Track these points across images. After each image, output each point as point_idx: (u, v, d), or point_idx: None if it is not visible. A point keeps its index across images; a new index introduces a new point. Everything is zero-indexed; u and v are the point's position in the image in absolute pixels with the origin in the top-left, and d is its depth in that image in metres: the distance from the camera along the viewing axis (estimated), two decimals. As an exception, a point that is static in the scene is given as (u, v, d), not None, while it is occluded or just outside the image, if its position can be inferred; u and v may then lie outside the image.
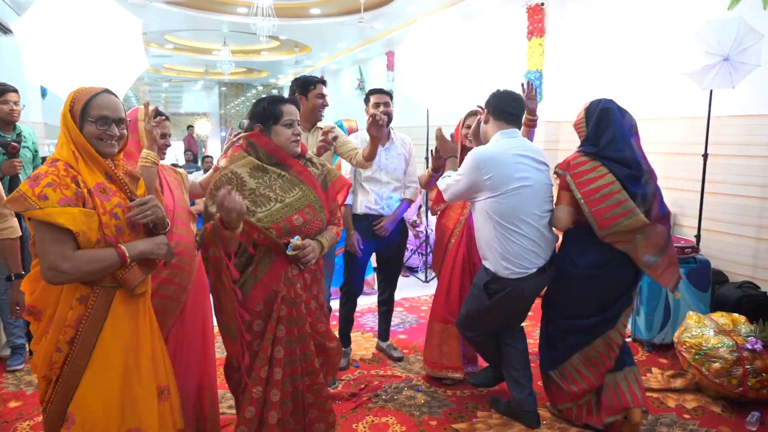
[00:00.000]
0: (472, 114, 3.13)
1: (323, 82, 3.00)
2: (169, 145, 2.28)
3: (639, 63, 4.74)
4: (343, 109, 13.20)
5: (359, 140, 3.25)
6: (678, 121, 4.40)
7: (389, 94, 3.23)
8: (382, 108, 3.12)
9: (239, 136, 2.36)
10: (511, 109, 2.50)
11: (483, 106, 2.63)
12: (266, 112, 1.95)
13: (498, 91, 2.55)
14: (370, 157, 2.87)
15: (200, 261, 2.26)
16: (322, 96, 2.96)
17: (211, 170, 2.38)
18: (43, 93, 7.19)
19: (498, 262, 2.41)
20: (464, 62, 4.68)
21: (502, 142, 2.45)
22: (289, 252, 1.89)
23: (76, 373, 1.51)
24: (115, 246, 1.53)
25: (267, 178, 1.93)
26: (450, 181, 2.53)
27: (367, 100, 3.25)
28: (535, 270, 2.39)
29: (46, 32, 3.09)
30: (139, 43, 3.41)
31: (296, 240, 1.90)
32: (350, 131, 5.52)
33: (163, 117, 2.26)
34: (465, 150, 3.11)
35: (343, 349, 3.28)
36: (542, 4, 5.61)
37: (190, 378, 2.17)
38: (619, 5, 4.96)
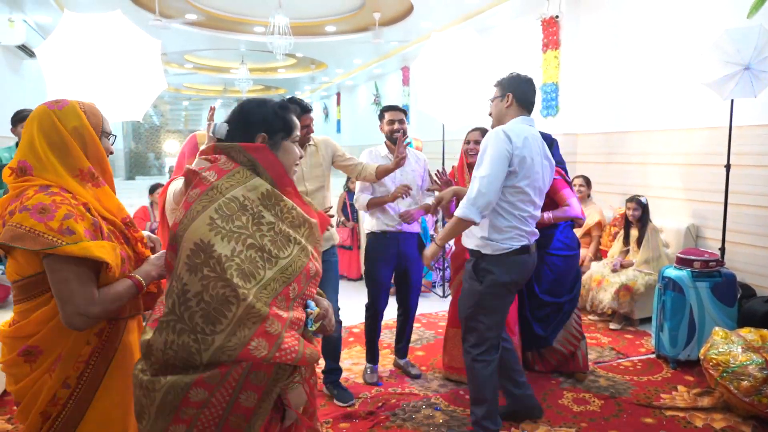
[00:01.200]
0: (474, 129, 3.21)
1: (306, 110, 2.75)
2: None
3: (657, 73, 4.69)
4: (360, 124, 13.29)
5: (374, 156, 3.30)
6: (699, 132, 4.32)
7: (404, 111, 3.25)
8: (396, 125, 3.16)
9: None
10: (532, 99, 2.47)
11: (499, 84, 2.47)
12: (277, 120, 1.42)
13: (522, 75, 2.47)
14: (383, 174, 2.89)
15: None
16: (306, 126, 2.73)
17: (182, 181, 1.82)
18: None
19: (484, 236, 2.37)
20: (479, 76, 4.66)
21: (524, 126, 2.39)
22: (311, 328, 1.34)
23: (81, 408, 1.42)
24: (129, 276, 1.45)
25: (279, 211, 1.34)
26: (475, 187, 2.26)
27: (381, 117, 3.27)
28: (518, 246, 2.37)
29: (67, 55, 3.17)
30: (158, 64, 3.48)
31: (313, 308, 1.36)
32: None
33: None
34: (469, 166, 3.13)
35: (369, 365, 3.35)
36: (557, 16, 5.60)
37: None
38: (635, 16, 4.92)
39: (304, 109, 2.69)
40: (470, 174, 3.05)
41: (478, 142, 3.12)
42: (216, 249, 1.20)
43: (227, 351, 1.16)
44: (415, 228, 3.26)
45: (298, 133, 1.49)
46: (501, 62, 6.55)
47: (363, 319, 3.38)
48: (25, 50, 5.61)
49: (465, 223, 2.31)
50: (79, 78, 3.21)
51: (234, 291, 1.18)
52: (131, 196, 6.86)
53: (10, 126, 3.51)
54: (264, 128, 1.40)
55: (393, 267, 3.27)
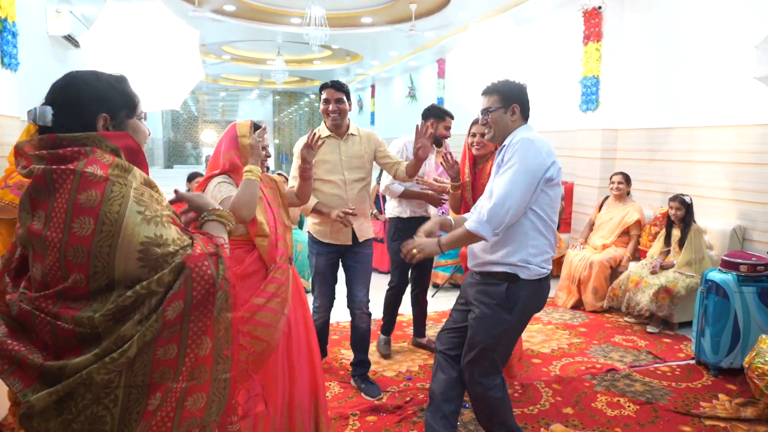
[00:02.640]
0: (476, 122, 3.05)
1: (327, 85, 2.89)
2: (269, 156, 2.25)
3: (704, 67, 4.49)
4: (394, 117, 13.22)
5: (402, 144, 3.45)
6: (748, 129, 4.12)
7: (451, 116, 3.46)
8: (442, 131, 3.43)
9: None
10: (529, 111, 2.25)
11: (497, 92, 2.20)
12: (117, 96, 1.24)
13: (519, 83, 2.23)
14: (413, 173, 2.95)
15: (294, 273, 2.27)
16: (327, 101, 2.86)
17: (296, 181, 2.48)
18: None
19: (524, 258, 2.08)
20: (517, 68, 4.55)
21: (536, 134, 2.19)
22: None
23: None
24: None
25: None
26: (495, 200, 2.03)
27: (426, 117, 3.37)
28: (549, 271, 2.17)
29: (108, 44, 3.23)
30: (195, 54, 3.51)
31: None
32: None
33: (263, 128, 2.20)
34: (473, 159, 3.05)
35: (384, 336, 3.60)
36: (600, 7, 5.41)
37: (305, 391, 2.20)
38: (681, 7, 4.72)
39: (333, 85, 2.86)
40: (472, 170, 2.99)
41: (484, 136, 3.01)
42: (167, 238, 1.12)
43: None
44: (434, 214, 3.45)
45: (142, 108, 1.31)
46: (540, 54, 6.41)
47: None
48: (71, 40, 5.76)
49: (475, 238, 2.09)
50: (119, 67, 3.26)
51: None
52: (169, 185, 6.98)
53: None
54: (104, 108, 1.19)
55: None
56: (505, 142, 2.15)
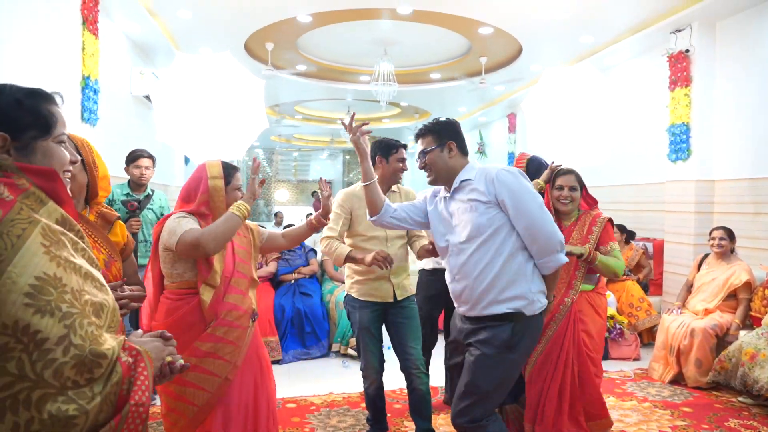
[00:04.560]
0: (566, 172, 2.73)
1: (404, 146, 2.90)
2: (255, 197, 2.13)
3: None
4: (462, 173, 13.02)
5: (423, 197, 3.17)
6: None
7: (404, 146, 3.03)
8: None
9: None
10: (466, 146, 2.25)
11: (430, 132, 2.17)
12: (23, 113, 1.09)
13: (448, 119, 2.23)
14: (425, 255, 2.72)
15: (255, 334, 2.07)
16: (402, 160, 2.84)
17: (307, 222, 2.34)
18: (186, 160, 7.87)
19: (525, 295, 2.03)
20: (596, 116, 4.23)
21: None
22: None
23: None
24: None
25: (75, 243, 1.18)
26: (550, 227, 2.05)
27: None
28: (546, 303, 2.13)
29: (176, 95, 3.25)
30: (260, 103, 3.48)
31: None
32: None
33: (256, 164, 2.13)
34: (557, 214, 2.70)
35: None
36: (687, 50, 5.02)
37: None
38: (787, 45, 4.26)
39: (395, 146, 2.83)
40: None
41: (574, 189, 2.70)
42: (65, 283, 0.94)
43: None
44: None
45: (64, 130, 1.13)
46: (621, 102, 6.04)
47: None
48: (151, 100, 6.08)
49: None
50: (185, 119, 3.27)
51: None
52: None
53: (124, 165, 3.65)
54: (2, 127, 1.03)
55: (443, 305, 3.43)
56: (468, 177, 2.10)
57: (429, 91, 9.10)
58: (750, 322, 4.02)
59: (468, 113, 11.04)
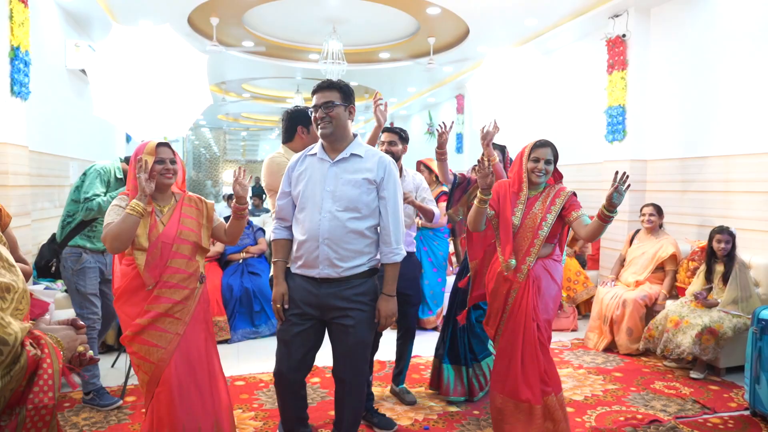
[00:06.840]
0: (543, 145, 2.63)
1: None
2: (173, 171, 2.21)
3: (740, 92, 4.23)
4: (412, 154, 13.11)
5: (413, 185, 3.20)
6: (793, 156, 3.82)
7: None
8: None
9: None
10: None
11: (338, 89, 2.19)
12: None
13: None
14: None
15: (203, 294, 2.24)
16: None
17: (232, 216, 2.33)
18: (128, 138, 7.57)
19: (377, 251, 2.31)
20: (540, 97, 4.37)
21: None
22: None
23: None
24: None
25: None
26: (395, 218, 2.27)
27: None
28: None
29: (114, 70, 3.12)
30: (203, 79, 3.39)
31: None
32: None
33: (143, 162, 2.12)
34: (531, 185, 2.65)
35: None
36: (624, 35, 5.24)
37: (201, 417, 2.10)
38: (713, 30, 4.51)
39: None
40: (512, 200, 2.67)
41: (549, 162, 2.60)
42: None
43: None
44: (410, 247, 3.10)
45: None
46: (562, 84, 6.24)
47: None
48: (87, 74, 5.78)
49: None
50: (125, 93, 3.16)
51: None
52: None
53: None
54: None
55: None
56: (358, 153, 2.19)
57: (378, 70, 9.09)
58: (676, 292, 4.32)
59: (417, 93, 11.10)
